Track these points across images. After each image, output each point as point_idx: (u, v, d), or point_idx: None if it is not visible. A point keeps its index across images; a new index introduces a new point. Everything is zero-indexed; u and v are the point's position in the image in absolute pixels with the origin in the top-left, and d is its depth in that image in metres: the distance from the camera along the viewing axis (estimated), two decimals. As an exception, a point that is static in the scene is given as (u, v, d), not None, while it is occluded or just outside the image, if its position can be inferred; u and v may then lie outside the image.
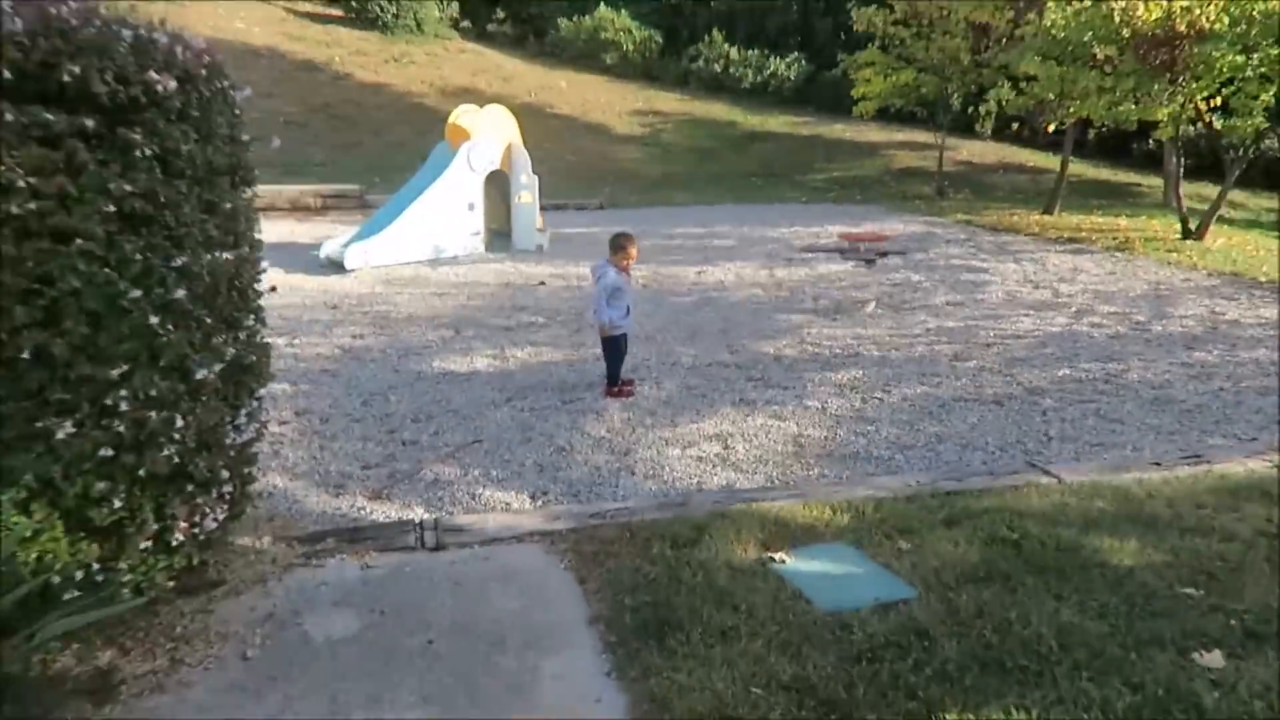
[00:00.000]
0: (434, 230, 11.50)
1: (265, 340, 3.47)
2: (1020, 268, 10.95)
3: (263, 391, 3.45)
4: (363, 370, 6.63)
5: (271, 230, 15.39)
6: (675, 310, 8.73)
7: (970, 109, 21.55)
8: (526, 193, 12.32)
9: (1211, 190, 19.54)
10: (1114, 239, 13.04)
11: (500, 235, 12.74)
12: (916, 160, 22.15)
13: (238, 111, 3.16)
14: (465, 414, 5.68)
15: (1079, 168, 21.96)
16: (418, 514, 4.25)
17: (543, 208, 12.50)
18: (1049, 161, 22.55)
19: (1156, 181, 20.91)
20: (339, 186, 16.93)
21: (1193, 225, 13.15)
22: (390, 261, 11.11)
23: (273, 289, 8.64)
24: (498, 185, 12.53)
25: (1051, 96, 13.95)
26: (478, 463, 4.91)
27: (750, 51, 26.79)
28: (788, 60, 26.62)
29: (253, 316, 3.33)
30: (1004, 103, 16.63)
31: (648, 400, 5.98)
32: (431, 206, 11.42)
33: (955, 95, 19.45)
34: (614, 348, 6.03)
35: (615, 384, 6.06)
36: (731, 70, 26.64)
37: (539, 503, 4.42)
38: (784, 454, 5.07)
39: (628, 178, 20.57)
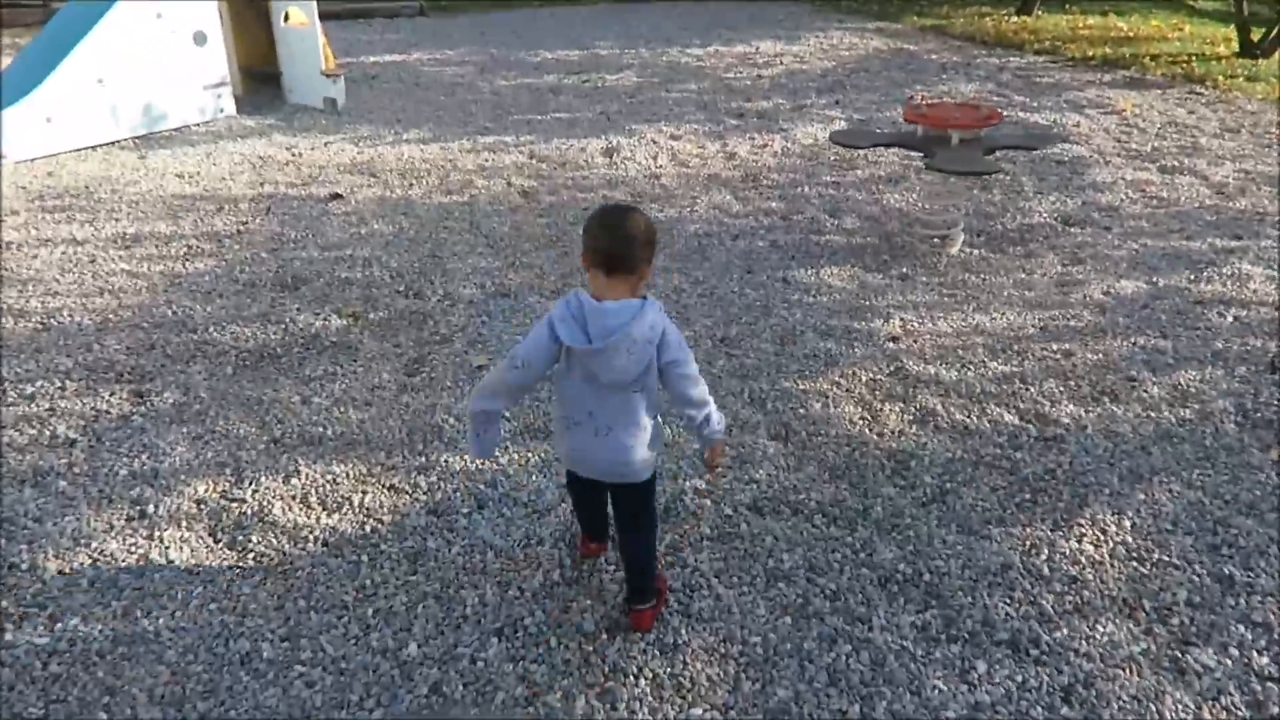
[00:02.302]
0: (133, 84, 6.51)
1: None
2: (1097, 125, 7.12)
3: None
4: None
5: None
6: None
7: None
8: (296, 7, 7.34)
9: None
10: (1158, 61, 9.34)
11: (264, 81, 7.80)
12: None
13: None
14: None
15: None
16: None
17: (327, 16, 7.56)
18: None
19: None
20: (8, -11, 10.98)
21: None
22: (50, 151, 6.16)
23: None
24: (247, -4, 7.49)
25: None
26: None
27: None
28: None
29: None
30: None
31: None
32: (121, 39, 6.36)
33: None
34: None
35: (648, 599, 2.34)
36: None
37: None
38: None
39: (454, -35, 15.06)
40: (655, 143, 6.64)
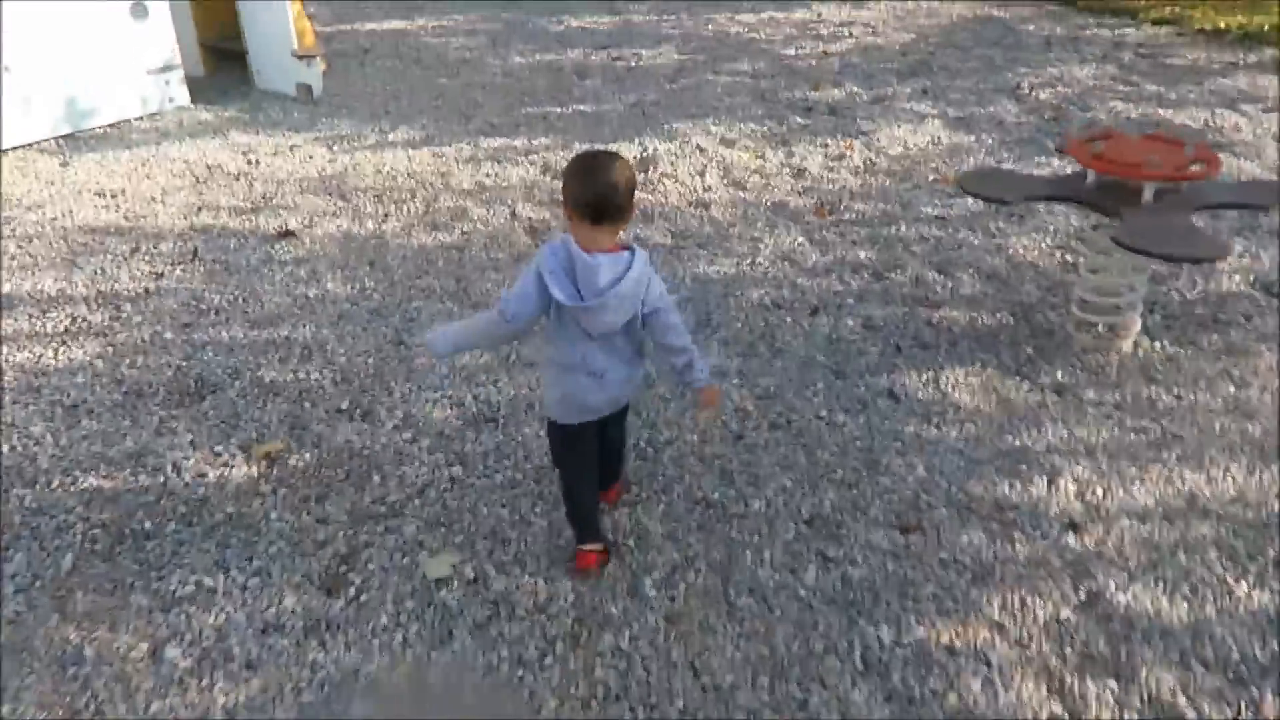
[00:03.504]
0: (51, 71, 5.23)
1: None
2: (1263, 129, 5.61)
3: None
4: None
5: None
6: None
7: None
8: (263, -28, 5.99)
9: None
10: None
11: (230, 60, 6.50)
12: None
13: None
14: None
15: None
16: None
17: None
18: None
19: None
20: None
21: None
22: (-65, 165, 4.93)
23: None
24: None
25: None
26: None
27: None
28: None
29: None
30: None
31: None
32: (29, 12, 5.07)
33: None
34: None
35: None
36: None
37: None
38: None
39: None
40: (702, 150, 5.25)
